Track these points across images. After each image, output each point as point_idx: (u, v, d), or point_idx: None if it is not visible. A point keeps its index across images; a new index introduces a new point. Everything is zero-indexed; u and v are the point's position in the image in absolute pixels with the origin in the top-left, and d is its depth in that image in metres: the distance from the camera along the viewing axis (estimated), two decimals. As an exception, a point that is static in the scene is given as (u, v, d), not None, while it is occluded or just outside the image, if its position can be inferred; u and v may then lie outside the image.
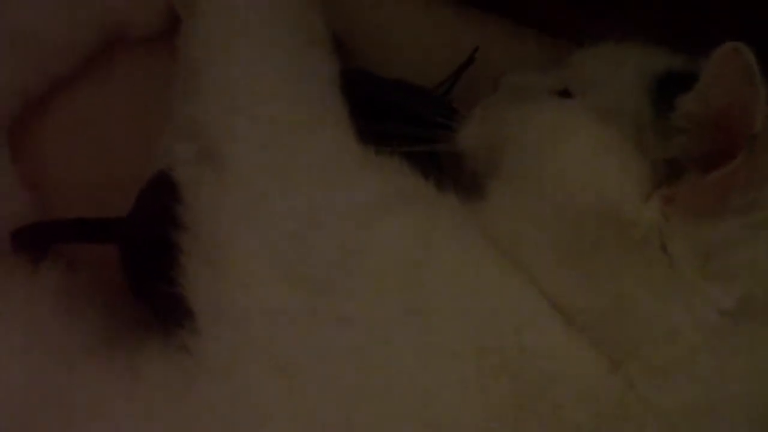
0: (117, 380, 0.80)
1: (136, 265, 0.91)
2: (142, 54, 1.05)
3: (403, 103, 0.95)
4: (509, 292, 0.79)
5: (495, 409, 0.76)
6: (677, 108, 0.77)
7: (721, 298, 0.75)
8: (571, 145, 0.82)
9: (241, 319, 0.79)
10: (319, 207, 0.81)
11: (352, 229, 0.81)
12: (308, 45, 0.89)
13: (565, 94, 0.87)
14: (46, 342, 0.84)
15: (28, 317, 0.86)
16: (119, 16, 1.03)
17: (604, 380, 0.76)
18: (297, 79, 0.87)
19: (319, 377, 0.77)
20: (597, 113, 0.82)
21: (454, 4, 1.10)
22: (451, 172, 0.88)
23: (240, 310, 0.79)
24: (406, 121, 0.91)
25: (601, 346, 0.77)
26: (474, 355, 0.77)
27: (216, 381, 0.78)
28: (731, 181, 0.73)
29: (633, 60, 0.86)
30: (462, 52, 1.01)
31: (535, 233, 0.81)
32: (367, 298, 0.79)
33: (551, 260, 0.79)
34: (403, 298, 0.78)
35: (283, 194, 0.82)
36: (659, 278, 0.77)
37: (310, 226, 0.81)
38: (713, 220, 0.75)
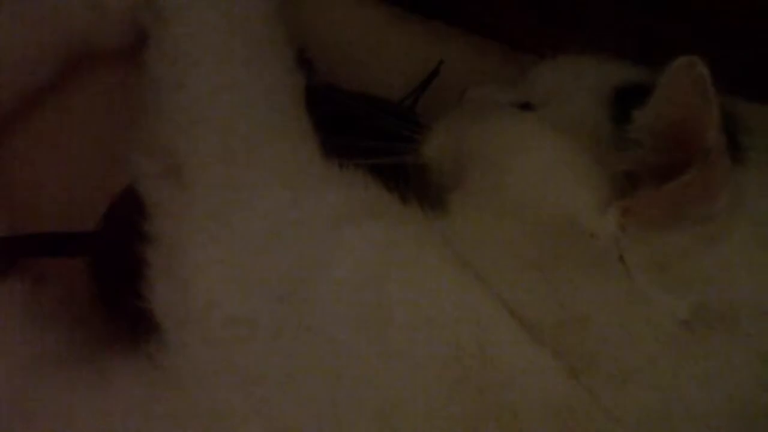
0: (85, 391, 0.81)
1: (106, 278, 0.91)
2: (108, 69, 1.05)
3: (367, 116, 0.96)
4: (471, 305, 0.79)
5: (458, 420, 0.76)
6: (634, 121, 0.77)
7: (677, 307, 0.76)
8: (530, 157, 0.83)
9: (206, 331, 0.79)
10: (282, 220, 0.82)
11: (315, 241, 0.81)
12: (271, 61, 0.90)
13: (526, 107, 0.88)
14: (14, 353, 0.84)
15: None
16: (84, 32, 1.03)
17: (565, 389, 0.77)
18: (259, 94, 0.88)
19: (283, 387, 0.77)
20: (556, 126, 0.83)
21: (420, 18, 1.11)
22: (416, 185, 0.87)
23: (204, 322, 0.79)
24: (370, 134, 0.91)
25: (561, 356, 0.77)
26: (437, 366, 0.77)
27: (183, 393, 0.78)
28: (686, 193, 0.74)
29: (592, 73, 0.87)
30: (427, 66, 1.02)
31: (496, 245, 0.81)
32: (329, 308, 0.79)
33: (512, 272, 0.80)
34: (366, 309, 0.79)
35: (245, 208, 0.82)
36: (617, 289, 0.78)
37: (272, 238, 0.81)
38: (668, 231, 0.76)
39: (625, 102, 0.81)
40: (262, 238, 0.81)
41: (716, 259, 0.77)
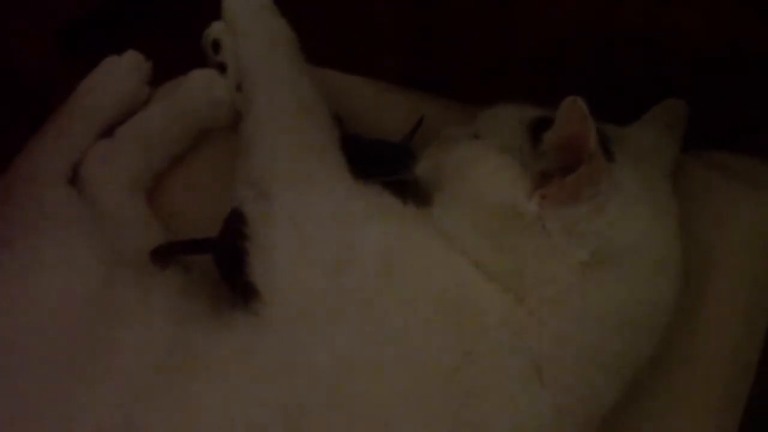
0: (216, 335, 0.79)
1: (224, 265, 0.89)
2: (223, 135, 1.04)
3: (380, 151, 0.95)
4: (453, 264, 0.78)
5: (448, 339, 0.75)
6: (544, 140, 0.77)
7: (580, 253, 0.75)
8: (481, 167, 0.81)
9: (287, 292, 0.78)
10: (329, 219, 0.81)
11: (352, 229, 0.80)
12: (320, 122, 0.89)
13: (476, 137, 0.86)
14: (172, 314, 0.83)
15: (162, 301, 0.84)
16: (207, 117, 1.03)
17: (515, 310, 0.76)
18: (314, 142, 0.86)
19: (334, 323, 0.76)
20: (495, 148, 0.82)
21: (403, 88, 1.10)
22: (413, 192, 0.86)
23: (285, 286, 0.78)
24: (383, 162, 0.90)
25: (510, 290, 0.76)
26: (433, 304, 0.76)
27: (276, 332, 0.77)
28: (579, 181, 0.74)
29: (514, 114, 0.85)
30: (412, 119, 1.01)
31: (465, 225, 0.79)
32: (363, 275, 0.77)
33: (476, 241, 0.78)
34: (384, 274, 0.77)
35: (306, 212, 0.81)
36: (542, 245, 0.76)
37: (325, 229, 0.80)
38: (572, 206, 0.75)
39: (536, 129, 0.80)
40: (318, 234, 0.80)
41: (603, 221, 0.75)
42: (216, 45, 0.99)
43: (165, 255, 0.90)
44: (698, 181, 0.93)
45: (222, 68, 1.00)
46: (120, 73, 1.04)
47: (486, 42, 1.04)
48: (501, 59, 1.04)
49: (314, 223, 0.80)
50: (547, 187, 0.76)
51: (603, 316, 0.76)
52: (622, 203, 0.76)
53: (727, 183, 0.95)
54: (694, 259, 0.82)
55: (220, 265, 0.90)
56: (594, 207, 0.75)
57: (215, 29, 0.99)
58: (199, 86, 1.02)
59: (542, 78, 1.01)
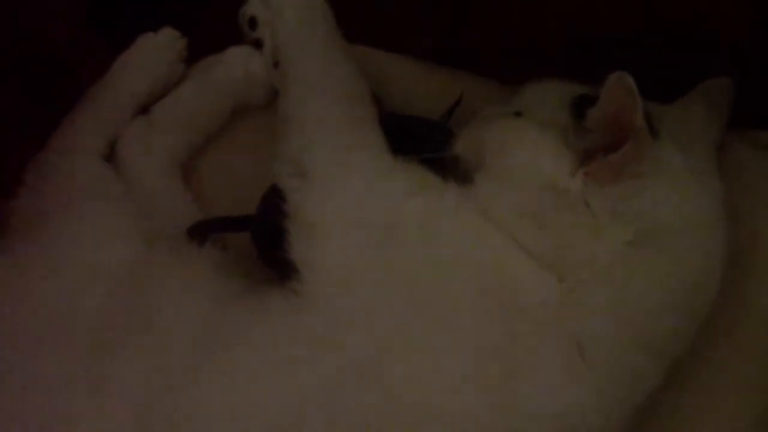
0: (253, 314, 0.79)
1: (262, 242, 0.90)
2: (259, 113, 1.04)
3: (419, 130, 0.94)
4: (494, 243, 0.77)
5: (488, 318, 0.75)
6: (588, 117, 0.76)
7: (624, 232, 0.74)
8: (523, 145, 0.80)
9: (327, 268, 0.78)
10: (370, 193, 0.80)
11: (393, 205, 0.79)
12: (358, 99, 0.88)
13: (518, 114, 0.85)
14: (209, 292, 0.83)
15: (198, 278, 0.84)
16: (243, 94, 1.03)
17: (556, 288, 0.75)
18: (353, 120, 0.86)
19: (376, 299, 0.76)
20: (537, 125, 0.81)
21: (440, 66, 1.10)
22: (452, 170, 0.85)
23: (326, 262, 0.78)
24: (422, 140, 0.88)
25: (553, 270, 0.75)
26: (473, 283, 0.76)
27: (315, 311, 0.77)
28: (624, 160, 0.73)
29: (556, 90, 0.85)
30: (451, 98, 1.00)
31: (507, 204, 0.78)
32: (404, 250, 0.77)
33: (519, 220, 0.77)
34: (425, 250, 0.77)
35: (346, 187, 0.80)
36: (586, 224, 0.75)
37: (366, 205, 0.79)
38: (615, 184, 0.74)
39: (580, 106, 0.79)
40: (359, 205, 0.80)
41: (647, 200, 0.75)
42: (252, 21, 0.98)
43: (202, 232, 0.90)
44: (743, 161, 0.92)
45: (258, 45, 0.99)
46: (155, 50, 1.05)
47: (523, 20, 1.02)
48: (539, 38, 1.02)
49: (354, 198, 0.79)
50: (591, 165, 0.75)
51: (646, 296, 0.75)
52: (666, 182, 0.76)
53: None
54: (739, 240, 0.82)
55: (257, 243, 0.90)
56: (638, 185, 0.74)
57: (252, 5, 0.98)
58: (235, 63, 1.02)
59: (581, 57, 0.99)
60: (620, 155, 0.72)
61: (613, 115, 0.73)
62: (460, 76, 1.08)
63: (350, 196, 0.80)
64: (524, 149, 0.80)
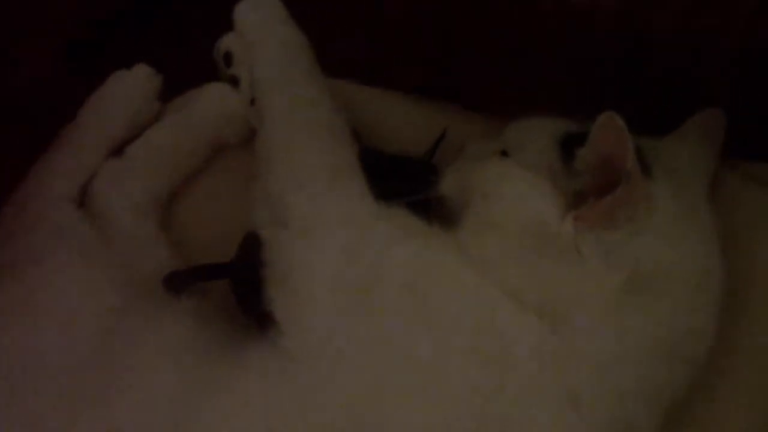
0: (233, 368, 0.76)
1: (241, 292, 0.86)
2: (239, 152, 1.01)
3: (402, 168, 0.92)
4: (482, 291, 0.74)
5: (477, 370, 0.72)
6: (577, 158, 0.74)
7: (617, 279, 0.72)
8: (510, 188, 0.78)
9: (308, 323, 0.75)
10: (352, 243, 0.77)
11: (377, 255, 0.76)
12: (339, 138, 0.85)
13: (504, 154, 0.82)
14: (188, 346, 0.80)
15: (176, 331, 0.81)
16: (220, 132, 1.01)
17: (548, 340, 0.72)
18: (332, 162, 0.83)
19: (360, 353, 0.73)
20: (525, 165, 0.79)
21: (423, 99, 1.07)
22: (437, 211, 0.83)
23: (307, 316, 0.75)
24: (405, 179, 0.87)
25: (545, 317, 0.73)
26: (461, 333, 0.73)
27: (296, 367, 0.74)
28: (616, 203, 0.71)
29: (545, 128, 0.82)
30: (434, 132, 0.98)
31: (495, 249, 0.76)
32: (388, 301, 0.74)
33: (508, 266, 0.75)
34: (415, 302, 0.74)
35: (328, 237, 0.77)
36: (577, 269, 0.73)
37: (347, 257, 0.76)
38: (608, 228, 0.72)
39: (569, 145, 0.76)
40: (339, 257, 0.76)
41: (640, 244, 0.73)
42: (228, 57, 0.96)
43: (179, 282, 0.87)
44: (737, 195, 0.90)
45: (235, 82, 0.97)
46: (129, 87, 1.02)
47: (509, 49, 1.00)
48: (526, 67, 1.00)
49: (336, 249, 0.76)
50: (582, 209, 0.73)
51: (642, 344, 0.73)
52: (660, 225, 0.73)
53: (763, 194, 0.93)
54: (734, 278, 0.79)
55: (236, 292, 0.87)
56: (631, 229, 0.72)
57: (227, 41, 0.96)
58: (211, 101, 1.00)
59: (570, 87, 0.97)
60: (612, 199, 0.70)
61: (603, 156, 0.71)
62: (445, 109, 1.06)
63: (332, 246, 0.77)
64: (512, 192, 0.78)
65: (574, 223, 0.73)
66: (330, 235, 0.77)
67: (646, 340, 0.73)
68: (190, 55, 1.03)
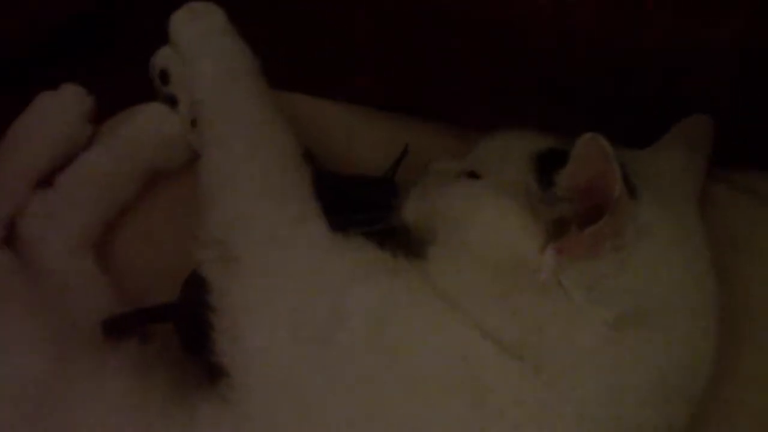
0: (178, 423, 0.71)
1: (186, 336, 0.82)
2: (182, 176, 0.96)
3: (361, 191, 0.87)
4: (455, 332, 0.68)
5: (452, 423, 0.66)
6: (556, 183, 0.69)
7: (605, 315, 0.66)
8: (482, 216, 0.72)
9: (261, 376, 0.69)
10: (308, 284, 0.71)
11: (335, 293, 0.70)
12: (290, 161, 0.79)
13: (473, 175, 0.77)
14: (131, 401, 0.74)
15: (116, 384, 0.75)
16: (160, 160, 0.95)
17: (531, 385, 0.66)
18: (283, 188, 0.77)
19: (324, 406, 0.67)
20: (498, 189, 0.73)
21: (383, 112, 1.02)
22: (401, 241, 0.77)
23: (260, 367, 0.69)
24: (362, 207, 0.80)
25: (527, 360, 0.67)
26: (433, 381, 0.67)
27: (251, 423, 0.68)
28: (603, 232, 0.65)
29: (517, 145, 0.77)
30: (396, 148, 0.93)
31: (468, 284, 0.70)
32: (352, 347, 0.68)
33: (482, 303, 0.69)
34: (376, 345, 0.68)
35: (279, 278, 0.72)
36: (560, 306, 0.67)
37: (303, 300, 0.70)
38: (592, 260, 0.66)
39: (547, 165, 0.71)
40: (293, 300, 0.71)
41: (629, 275, 0.67)
42: (164, 75, 0.90)
43: (118, 327, 0.81)
44: (727, 209, 0.87)
45: (173, 101, 0.92)
46: (57, 110, 0.96)
47: (482, 57, 0.94)
48: (499, 77, 0.94)
49: (290, 288, 0.71)
50: (564, 240, 0.67)
51: (634, 385, 0.67)
52: (649, 252, 0.68)
53: (755, 207, 0.89)
54: (730, 300, 0.74)
55: (181, 336, 0.82)
56: (618, 259, 0.67)
57: (163, 56, 0.90)
58: (147, 123, 0.94)
59: (545, 98, 0.91)
60: (598, 229, 0.64)
61: (586, 181, 0.65)
62: (409, 123, 1.01)
63: (284, 287, 0.71)
64: (484, 221, 0.72)
65: (556, 256, 0.67)
66: (282, 273, 0.72)
67: (639, 379, 0.67)
68: (127, 73, 0.97)
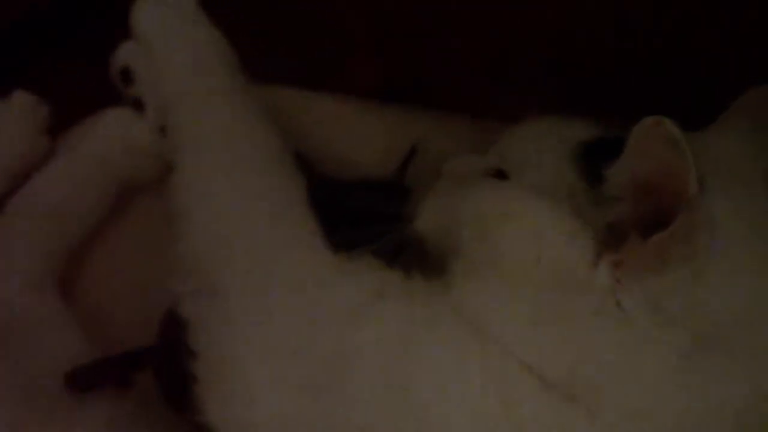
0: None
1: (166, 384, 0.74)
2: (151, 194, 0.91)
3: (364, 200, 0.79)
4: (487, 368, 0.59)
5: None
6: (607, 179, 0.59)
7: (677, 340, 0.56)
8: (517, 224, 0.62)
9: (257, 429, 0.62)
10: (306, 319, 0.63)
11: (340, 327, 0.62)
12: (278, 170, 0.71)
13: (500, 174, 0.68)
14: None
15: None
16: (129, 173, 0.90)
17: (585, 429, 0.57)
18: (272, 204, 0.69)
19: None
20: (533, 191, 0.63)
21: (385, 104, 0.96)
22: (417, 255, 0.69)
23: (252, 422, 0.62)
24: (369, 215, 0.74)
25: (578, 402, 0.57)
26: (464, 425, 0.59)
27: None
28: (672, 240, 0.54)
29: (554, 135, 0.67)
30: (404, 145, 0.86)
31: (504, 308, 0.61)
32: (360, 397, 0.60)
33: (522, 331, 0.60)
34: (391, 392, 0.60)
35: (273, 314, 0.63)
36: (620, 332, 0.58)
37: (300, 339, 0.62)
38: (657, 275, 0.56)
39: (591, 159, 0.62)
40: (292, 341, 0.62)
41: (704, 291, 0.57)
42: (126, 74, 0.82)
43: (84, 379, 0.74)
44: None
45: (139, 105, 0.84)
46: (6, 122, 0.91)
47: (485, 37, 0.88)
48: (505, 57, 0.87)
49: (283, 326, 0.62)
50: (623, 251, 0.57)
51: (717, 422, 0.57)
52: (726, 259, 0.57)
53: None
54: None
55: (161, 385, 0.73)
56: (690, 271, 0.56)
57: (124, 52, 0.81)
58: (110, 133, 0.89)
59: (557, 79, 0.84)
60: (666, 236, 0.53)
61: (650, 176, 0.56)
62: (415, 115, 0.94)
63: (277, 325, 0.63)
64: (518, 230, 0.62)
65: (613, 271, 0.57)
66: (276, 307, 0.63)
67: (722, 416, 0.57)
68: (88, 75, 0.89)
